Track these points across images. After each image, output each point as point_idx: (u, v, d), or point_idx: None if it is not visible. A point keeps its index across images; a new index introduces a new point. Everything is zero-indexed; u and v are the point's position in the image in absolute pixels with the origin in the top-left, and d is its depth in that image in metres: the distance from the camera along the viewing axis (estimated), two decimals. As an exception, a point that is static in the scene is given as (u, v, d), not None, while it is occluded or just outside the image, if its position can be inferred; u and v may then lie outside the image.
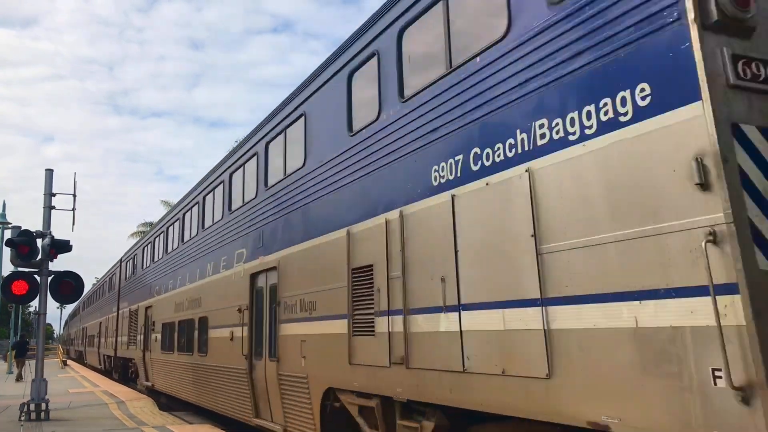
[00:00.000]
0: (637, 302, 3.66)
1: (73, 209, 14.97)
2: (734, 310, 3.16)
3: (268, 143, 10.03)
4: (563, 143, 4.27)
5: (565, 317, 4.15)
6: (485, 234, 4.94)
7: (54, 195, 14.15)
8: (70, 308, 69.83)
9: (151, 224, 44.81)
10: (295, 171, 8.76)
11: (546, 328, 4.28)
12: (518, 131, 4.68)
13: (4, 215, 30.18)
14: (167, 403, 15.88)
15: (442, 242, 5.40)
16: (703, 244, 3.29)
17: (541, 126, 4.47)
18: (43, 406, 12.69)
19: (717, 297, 3.22)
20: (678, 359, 3.43)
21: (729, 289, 3.21)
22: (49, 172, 14.17)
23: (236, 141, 32.34)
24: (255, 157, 10.55)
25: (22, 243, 13.13)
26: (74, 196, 14.89)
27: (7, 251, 22.46)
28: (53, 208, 14.07)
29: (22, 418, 12.45)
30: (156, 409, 14.48)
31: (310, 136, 8.44)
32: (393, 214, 6.17)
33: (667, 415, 3.47)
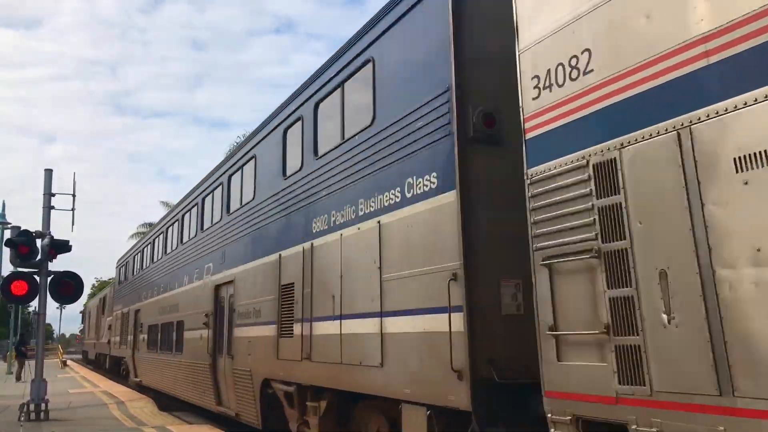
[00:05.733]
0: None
1: (73, 209, 14.97)
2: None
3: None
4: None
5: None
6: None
7: (53, 195, 14.15)
8: (70, 308, 69.88)
9: (150, 225, 44.65)
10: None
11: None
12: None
13: (3, 215, 30.14)
14: (168, 403, 15.88)
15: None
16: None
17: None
18: (43, 406, 12.69)
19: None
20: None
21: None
22: (49, 172, 14.16)
23: (239, 136, 32.68)
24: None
25: (22, 243, 13.12)
26: (74, 196, 14.90)
27: (6, 251, 22.46)
28: (53, 208, 14.06)
29: (22, 419, 12.45)
30: (155, 409, 14.49)
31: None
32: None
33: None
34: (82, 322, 56.72)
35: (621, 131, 3.81)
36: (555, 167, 4.30)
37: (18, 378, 25.60)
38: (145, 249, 20.64)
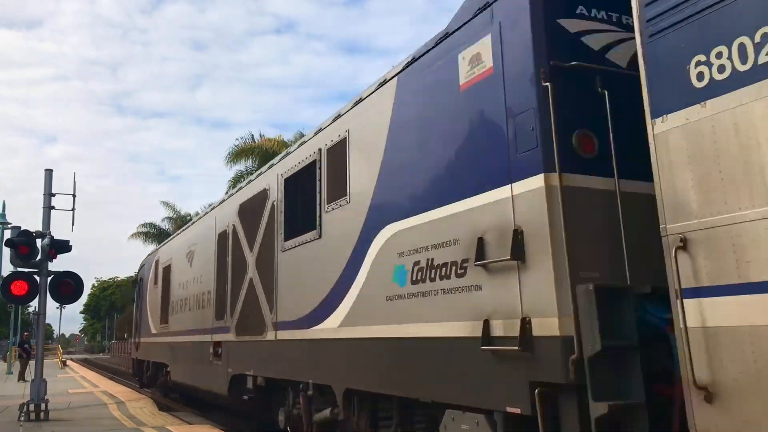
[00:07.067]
0: None
1: (73, 209, 14.92)
2: None
3: None
4: None
5: None
6: None
7: (53, 195, 14.12)
8: (70, 308, 69.20)
9: (151, 224, 44.42)
10: None
11: None
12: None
13: (3, 215, 30.14)
14: (167, 403, 15.88)
15: None
16: None
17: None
18: (43, 406, 12.66)
19: None
20: None
21: None
22: (49, 173, 14.15)
23: (238, 138, 32.26)
24: None
25: (22, 243, 13.10)
26: (74, 196, 14.84)
27: (6, 251, 22.43)
28: (53, 208, 14.04)
29: (22, 419, 12.44)
30: (155, 409, 14.48)
31: None
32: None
33: None
34: (135, 306, 38.97)
35: None
36: None
37: (21, 378, 25.60)
38: None
